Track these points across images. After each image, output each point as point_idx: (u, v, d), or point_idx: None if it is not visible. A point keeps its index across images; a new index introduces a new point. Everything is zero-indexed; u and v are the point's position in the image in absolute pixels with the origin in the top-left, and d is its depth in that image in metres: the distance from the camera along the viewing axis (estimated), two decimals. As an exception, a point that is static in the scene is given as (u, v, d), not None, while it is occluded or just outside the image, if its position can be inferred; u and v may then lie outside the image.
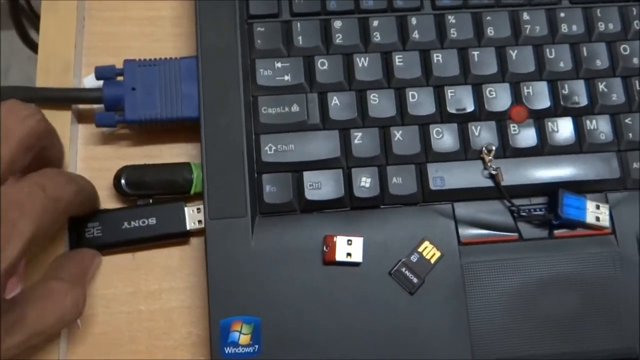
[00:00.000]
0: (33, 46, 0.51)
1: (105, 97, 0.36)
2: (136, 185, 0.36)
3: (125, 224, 0.35)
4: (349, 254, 0.34)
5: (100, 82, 0.37)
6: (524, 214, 0.36)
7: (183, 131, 0.38)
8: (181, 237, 0.35)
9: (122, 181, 0.36)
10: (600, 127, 0.37)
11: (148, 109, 0.36)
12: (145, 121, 0.36)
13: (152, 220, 0.35)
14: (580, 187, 0.36)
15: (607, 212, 0.36)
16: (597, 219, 0.35)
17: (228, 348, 0.33)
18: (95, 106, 0.38)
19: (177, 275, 0.37)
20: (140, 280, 0.36)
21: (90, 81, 0.39)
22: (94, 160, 0.38)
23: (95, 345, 0.35)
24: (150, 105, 0.36)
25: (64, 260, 0.33)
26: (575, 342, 0.34)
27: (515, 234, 0.36)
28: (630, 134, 0.37)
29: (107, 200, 0.37)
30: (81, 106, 0.38)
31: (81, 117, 0.39)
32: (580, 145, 0.37)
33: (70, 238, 0.35)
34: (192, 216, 0.36)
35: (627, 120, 0.37)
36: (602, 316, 0.34)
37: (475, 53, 0.37)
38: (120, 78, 0.37)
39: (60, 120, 0.37)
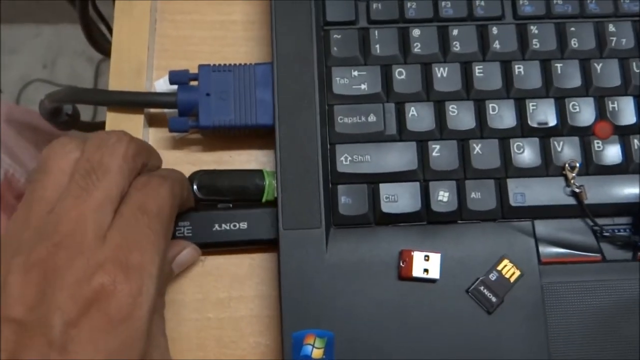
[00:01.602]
0: (97, 46, 0.51)
1: (180, 103, 0.36)
2: (208, 190, 0.36)
3: (216, 226, 0.35)
4: (426, 270, 0.33)
5: (171, 86, 0.37)
6: (607, 234, 0.34)
7: (253, 137, 0.38)
8: (271, 243, 0.35)
9: (195, 186, 0.36)
10: (689, 145, 0.35)
11: (222, 115, 0.36)
12: (218, 127, 0.36)
13: (244, 225, 0.35)
14: (666, 208, 0.35)
15: (696, 236, 0.34)
16: (686, 242, 0.34)
17: (300, 362, 0.32)
18: (165, 110, 0.38)
19: (246, 284, 0.36)
20: (210, 287, 0.36)
21: (161, 84, 0.38)
22: (164, 164, 0.37)
23: (163, 352, 0.35)
24: (224, 112, 0.36)
25: None
26: (660, 370, 0.33)
27: (598, 255, 0.34)
28: None
29: (177, 206, 0.37)
30: (152, 110, 0.38)
31: (152, 121, 0.38)
32: (668, 164, 0.35)
33: None
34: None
35: None
36: (688, 344, 0.33)
37: (559, 65, 0.36)
38: (193, 83, 0.37)
39: (132, 123, 0.37)
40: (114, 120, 0.37)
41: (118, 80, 0.37)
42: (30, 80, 1.23)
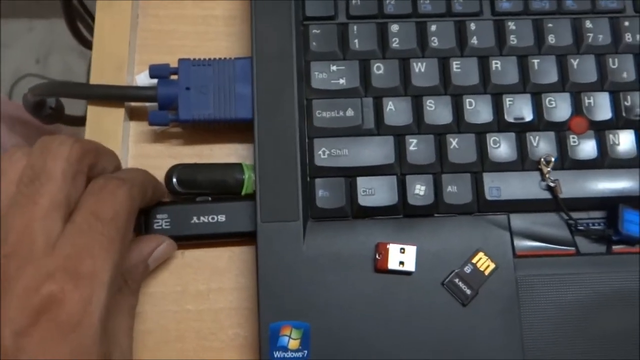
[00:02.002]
0: (83, 41, 0.51)
1: (160, 96, 0.36)
2: (187, 184, 0.36)
3: (195, 218, 0.35)
4: (401, 263, 0.34)
5: (153, 80, 0.37)
6: (581, 227, 0.35)
7: (234, 131, 0.38)
8: (250, 236, 0.35)
9: (174, 179, 0.36)
10: (664, 140, 0.36)
11: (201, 109, 0.36)
12: (198, 121, 0.36)
13: (222, 217, 0.35)
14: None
15: (669, 229, 0.35)
16: (658, 235, 0.34)
17: (277, 352, 0.33)
18: (146, 104, 0.38)
19: (225, 276, 0.36)
20: (189, 279, 0.36)
21: (142, 79, 0.39)
22: (145, 158, 0.38)
23: (142, 342, 0.35)
24: (204, 106, 0.36)
25: None
26: (631, 362, 0.33)
27: (573, 248, 0.35)
28: (695, 149, 0.36)
29: (158, 199, 0.37)
30: (133, 104, 0.38)
31: (133, 115, 0.39)
32: (642, 159, 0.36)
33: (137, 228, 0.35)
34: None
35: (691, 134, 0.36)
36: (660, 336, 0.34)
37: (536, 61, 0.37)
38: (174, 77, 0.37)
39: (113, 117, 0.37)
40: (95, 114, 0.37)
41: (99, 74, 0.38)
42: (23, 75, 1.23)
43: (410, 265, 0.34)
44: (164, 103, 0.36)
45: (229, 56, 0.37)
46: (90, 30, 0.55)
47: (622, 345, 0.33)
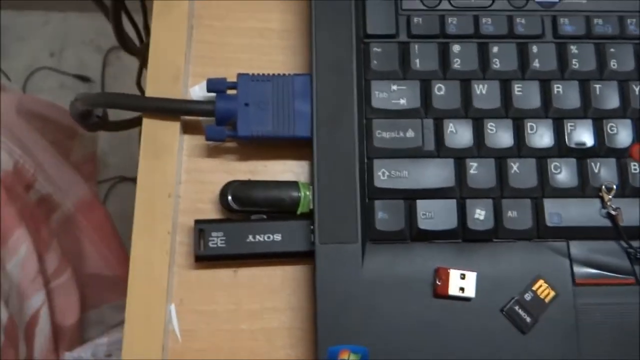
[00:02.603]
0: (126, 46, 0.51)
1: (218, 111, 0.36)
2: (242, 201, 0.36)
3: (250, 237, 0.35)
4: (461, 289, 0.33)
5: (207, 94, 0.37)
6: (641, 257, 0.35)
7: (288, 147, 0.37)
8: (305, 256, 0.35)
9: (229, 196, 0.36)
10: None
11: (260, 126, 0.35)
12: (257, 137, 0.35)
13: (278, 237, 0.35)
14: (700, 232, 0.35)
15: None
16: None
17: (335, 377, 0.33)
18: (201, 118, 0.38)
19: (278, 295, 0.36)
20: (242, 297, 0.36)
21: (196, 91, 0.38)
22: (198, 172, 0.38)
23: (194, 361, 0.35)
24: (263, 122, 0.35)
25: None
26: (690, 394, 0.33)
27: (632, 277, 0.34)
28: None
29: (211, 214, 0.37)
30: (187, 117, 0.38)
31: (186, 128, 0.38)
32: (703, 189, 0.36)
33: (195, 245, 0.35)
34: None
35: None
36: None
37: (597, 86, 0.36)
38: (230, 91, 0.36)
39: (169, 130, 0.37)
40: (150, 127, 0.37)
41: (155, 85, 0.37)
42: (37, 68, 1.22)
43: (470, 292, 0.33)
44: (222, 118, 0.36)
45: (285, 71, 0.37)
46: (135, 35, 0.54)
47: (681, 377, 0.33)
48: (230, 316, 0.36)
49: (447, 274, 0.33)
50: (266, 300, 0.36)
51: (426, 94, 0.36)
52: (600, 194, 0.35)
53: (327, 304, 0.33)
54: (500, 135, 0.35)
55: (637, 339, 0.33)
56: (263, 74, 0.36)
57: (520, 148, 0.35)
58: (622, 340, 0.33)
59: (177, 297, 0.36)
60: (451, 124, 0.35)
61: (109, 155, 1.14)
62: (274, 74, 0.36)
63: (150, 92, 0.37)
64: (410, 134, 0.35)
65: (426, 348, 0.33)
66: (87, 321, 0.72)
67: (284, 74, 0.36)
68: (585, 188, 0.35)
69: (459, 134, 0.35)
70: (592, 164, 0.35)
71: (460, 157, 0.35)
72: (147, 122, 0.37)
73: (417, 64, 0.36)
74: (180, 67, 0.37)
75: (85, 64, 1.23)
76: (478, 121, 0.36)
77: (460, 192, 0.35)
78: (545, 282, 0.34)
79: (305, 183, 0.36)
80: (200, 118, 0.38)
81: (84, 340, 0.69)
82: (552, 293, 0.34)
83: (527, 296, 0.34)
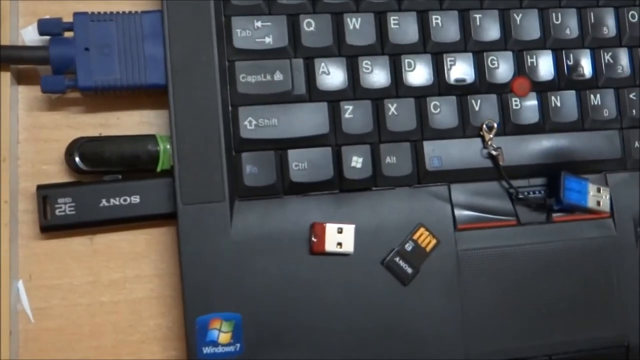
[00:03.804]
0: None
1: (53, 59, 0.30)
2: (93, 160, 0.32)
3: (104, 201, 0.31)
4: (339, 244, 0.31)
5: (43, 37, 0.32)
6: (522, 196, 0.33)
7: (144, 96, 0.33)
8: (169, 217, 0.31)
9: (77, 156, 0.31)
10: (604, 102, 0.35)
11: (105, 74, 0.31)
12: (101, 88, 0.31)
13: (136, 199, 0.31)
14: (580, 168, 0.34)
15: (608, 196, 0.34)
16: (598, 203, 0.34)
17: (207, 348, 0.30)
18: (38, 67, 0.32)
19: (142, 262, 0.33)
20: (101, 267, 0.32)
21: (30, 34, 0.33)
22: (39, 129, 0.33)
23: (52, 341, 0.31)
24: (108, 70, 0.31)
25: None
26: (569, 331, 0.33)
27: (513, 219, 0.33)
28: (634, 111, 0.35)
29: (58, 177, 0.32)
30: (21, 66, 0.32)
31: (21, 78, 0.33)
32: (583, 122, 0.34)
33: (40, 215, 0.30)
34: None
35: (631, 96, 0.35)
36: (596, 304, 0.33)
37: (478, 16, 0.34)
38: (68, 34, 0.31)
39: (-3, 82, 0.31)
40: (-27, 80, 0.31)
41: (-26, 29, 0.31)
42: None
43: (348, 246, 0.31)
44: (58, 66, 0.31)
45: (131, 8, 0.32)
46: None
47: (562, 315, 0.33)
48: (88, 289, 0.32)
49: (323, 229, 0.31)
50: (128, 268, 0.33)
51: (294, 31, 0.32)
52: (481, 133, 0.33)
53: (193, 270, 0.30)
54: (377, 74, 0.33)
55: (517, 281, 0.33)
56: (105, 12, 0.31)
57: (398, 87, 0.33)
58: (503, 284, 0.33)
59: (25, 272, 0.32)
60: (323, 64, 0.32)
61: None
62: (117, 12, 0.31)
63: (-32, 36, 0.31)
64: (278, 76, 0.32)
65: (304, 310, 0.31)
66: None
67: (129, 12, 0.31)
68: (466, 128, 0.33)
69: (332, 74, 0.32)
70: (473, 101, 0.33)
71: (334, 101, 0.32)
72: (-32, 74, 0.31)
73: (282, -4, 0.32)
74: (4, 6, 0.32)
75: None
76: (352, 59, 0.33)
77: (335, 139, 0.32)
78: (427, 229, 0.32)
79: (164, 136, 0.32)
80: (38, 67, 0.33)
81: None
82: (434, 241, 0.32)
83: (408, 246, 0.32)
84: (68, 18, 0.31)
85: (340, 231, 0.31)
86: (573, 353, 0.33)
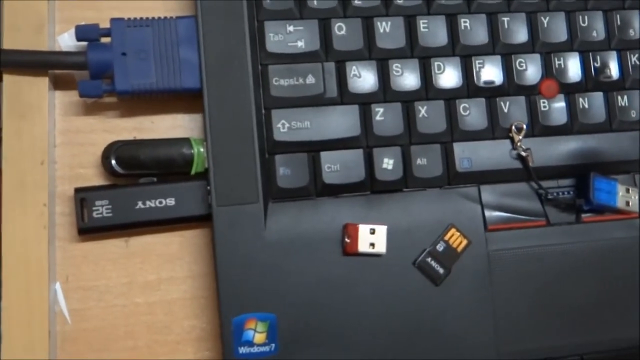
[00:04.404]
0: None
1: (91, 64, 0.31)
2: (129, 163, 0.32)
3: (140, 203, 0.31)
4: (372, 245, 0.31)
5: (79, 43, 0.32)
6: (551, 197, 0.34)
7: (177, 100, 0.34)
8: (203, 219, 0.32)
9: (113, 159, 0.32)
10: (632, 103, 0.35)
11: (141, 78, 0.31)
12: (138, 92, 0.31)
13: (171, 201, 0.31)
14: (608, 168, 0.34)
15: (637, 196, 0.34)
16: (627, 203, 0.34)
17: (242, 348, 0.30)
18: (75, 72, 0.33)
19: (176, 264, 0.33)
20: (136, 269, 0.33)
21: (66, 40, 0.33)
22: (75, 133, 0.33)
23: (88, 342, 0.32)
24: (144, 74, 0.31)
25: None
26: (599, 332, 0.33)
27: (543, 219, 0.34)
28: (661, 112, 0.35)
29: (94, 180, 0.33)
30: (58, 71, 0.33)
31: (58, 83, 0.33)
32: (611, 123, 0.35)
33: (77, 217, 0.31)
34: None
35: (658, 97, 0.35)
36: (626, 304, 0.33)
37: (505, 19, 0.34)
38: (105, 39, 0.32)
39: (36, 87, 0.32)
40: (14, 84, 0.32)
41: (13, 35, 0.32)
42: None
43: (381, 247, 0.31)
44: (96, 71, 0.31)
45: (166, 13, 0.33)
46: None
47: (592, 315, 0.33)
48: (123, 290, 0.32)
49: (356, 230, 0.31)
50: (163, 270, 0.33)
51: (326, 35, 0.33)
52: (510, 134, 0.34)
53: (228, 271, 0.30)
54: (407, 77, 0.33)
55: (548, 282, 0.33)
56: (141, 18, 0.32)
57: (428, 90, 0.33)
58: (533, 284, 0.33)
59: (63, 275, 0.32)
60: (354, 67, 0.33)
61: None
62: (153, 18, 0.32)
63: (8, 43, 0.32)
64: (310, 80, 0.32)
65: (337, 309, 0.31)
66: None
67: (165, 18, 0.32)
68: (495, 129, 0.34)
69: (363, 77, 0.33)
70: (502, 103, 0.34)
71: (365, 103, 0.33)
72: (9, 80, 0.32)
73: (314, 1, 0.33)
74: (43, 12, 0.32)
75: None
76: (382, 62, 0.33)
77: (366, 141, 0.33)
78: (457, 230, 0.32)
79: (198, 139, 0.33)
80: (74, 72, 0.33)
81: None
82: (465, 241, 0.32)
83: (439, 247, 0.32)
84: (103, 24, 0.32)
85: (372, 232, 0.31)
86: (604, 353, 0.33)
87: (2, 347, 0.30)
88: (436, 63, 0.33)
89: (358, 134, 0.32)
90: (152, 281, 0.33)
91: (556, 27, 0.35)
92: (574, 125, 0.34)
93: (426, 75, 0.33)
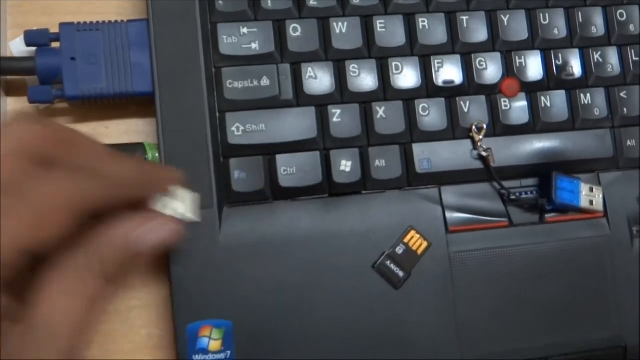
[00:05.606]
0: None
1: (40, 69, 0.31)
2: (81, 170, 0.31)
3: None
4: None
5: (31, 49, 0.32)
6: (513, 197, 0.33)
7: (131, 104, 0.33)
8: None
9: (65, 166, 0.31)
10: (595, 101, 0.34)
11: (92, 83, 0.31)
12: (88, 97, 0.31)
13: None
14: (572, 167, 0.34)
15: (601, 195, 0.33)
16: (591, 202, 0.33)
17: (197, 355, 0.30)
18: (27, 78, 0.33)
19: (132, 272, 0.32)
20: (91, 278, 0.32)
21: (18, 46, 0.33)
22: (28, 140, 0.33)
23: (41, 353, 0.31)
24: (95, 79, 0.31)
25: None
26: (565, 333, 0.32)
27: (506, 220, 0.33)
28: (625, 109, 0.34)
29: (47, 187, 0.32)
30: (9, 77, 0.32)
31: (9, 89, 0.33)
32: (574, 122, 0.34)
33: None
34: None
35: (622, 94, 0.35)
36: (592, 305, 0.33)
37: (465, 18, 0.34)
38: (56, 44, 0.31)
39: (-16, 94, 0.31)
40: (-39, 91, 0.31)
41: (-38, 42, 0.32)
42: None
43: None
44: (45, 76, 0.31)
45: (121, 17, 0.32)
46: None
47: (557, 317, 0.32)
48: (78, 300, 0.32)
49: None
50: (119, 277, 0.32)
51: (281, 36, 0.32)
52: (471, 134, 0.33)
53: (183, 278, 0.30)
54: (364, 78, 0.33)
55: (510, 282, 0.32)
56: (91, 22, 0.31)
57: (386, 90, 0.33)
58: (496, 286, 0.32)
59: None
60: (310, 68, 0.32)
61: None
62: (103, 22, 0.32)
63: (-44, 49, 0.31)
64: (265, 82, 0.32)
65: (294, 315, 0.30)
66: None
67: (115, 21, 0.32)
68: (455, 129, 0.33)
69: (319, 79, 0.32)
70: (462, 102, 0.33)
71: (321, 105, 0.32)
72: (-43, 86, 0.31)
73: (268, 2, 0.32)
74: (-8, 18, 0.32)
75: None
76: (339, 63, 0.33)
77: (323, 143, 0.32)
78: (417, 232, 0.32)
79: (152, 144, 0.32)
80: (26, 78, 0.33)
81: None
82: (425, 244, 0.32)
83: (399, 249, 0.32)
84: (56, 30, 0.31)
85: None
86: (570, 355, 0.32)
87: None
88: (394, 63, 0.33)
89: (315, 136, 0.32)
90: (107, 289, 0.32)
91: (517, 26, 0.34)
92: (536, 124, 0.34)
93: (384, 76, 0.33)
